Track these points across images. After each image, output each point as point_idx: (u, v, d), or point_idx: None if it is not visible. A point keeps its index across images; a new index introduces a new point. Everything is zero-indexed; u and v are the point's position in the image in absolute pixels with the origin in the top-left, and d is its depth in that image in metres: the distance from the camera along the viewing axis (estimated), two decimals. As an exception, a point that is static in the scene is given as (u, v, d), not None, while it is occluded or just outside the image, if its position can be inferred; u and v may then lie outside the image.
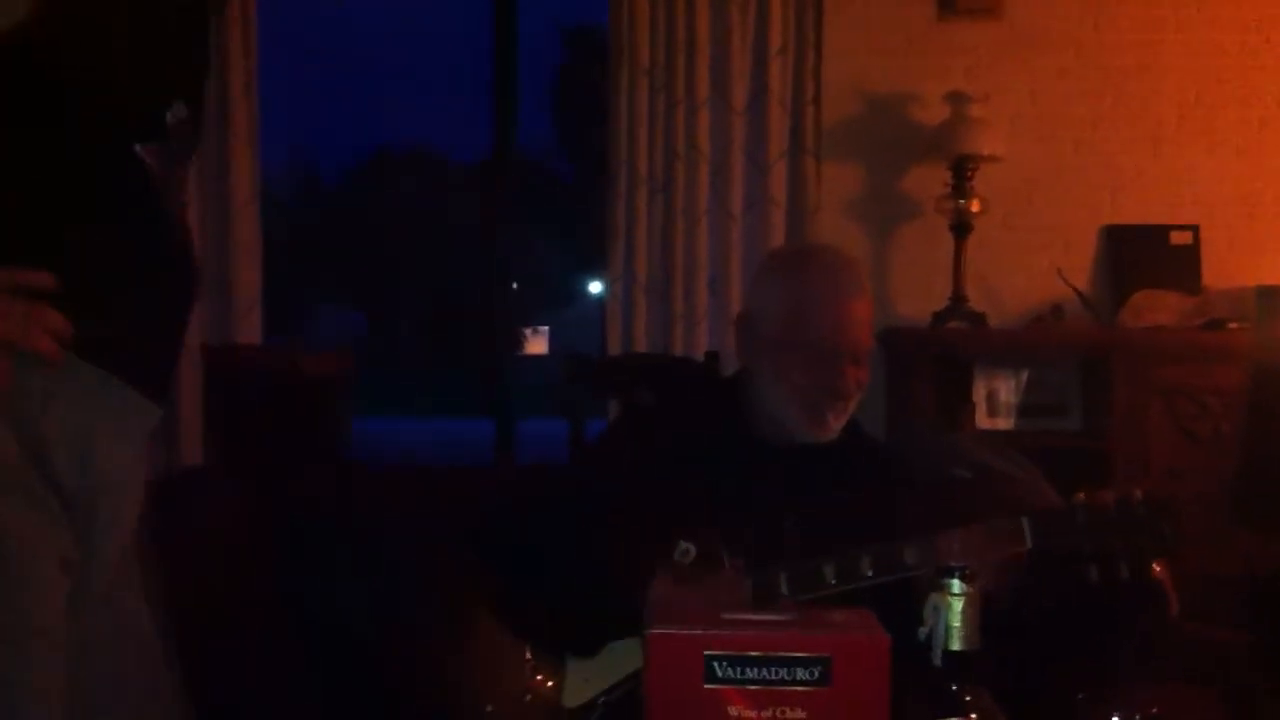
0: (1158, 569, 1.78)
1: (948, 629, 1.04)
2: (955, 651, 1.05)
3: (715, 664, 1.20)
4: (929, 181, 3.74)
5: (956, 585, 1.04)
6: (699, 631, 1.22)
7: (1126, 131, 3.84)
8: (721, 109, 3.71)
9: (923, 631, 1.06)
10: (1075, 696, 1.29)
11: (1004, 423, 3.74)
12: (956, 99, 3.65)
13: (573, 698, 1.89)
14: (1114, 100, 3.85)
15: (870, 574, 1.82)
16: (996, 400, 3.76)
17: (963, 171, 3.63)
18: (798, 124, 3.73)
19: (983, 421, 3.72)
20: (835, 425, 2.01)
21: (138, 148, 1.48)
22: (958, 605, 1.04)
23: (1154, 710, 1.31)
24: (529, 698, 1.90)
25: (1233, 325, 3.63)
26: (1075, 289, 3.75)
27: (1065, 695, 1.33)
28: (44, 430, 1.44)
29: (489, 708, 1.92)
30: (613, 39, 3.71)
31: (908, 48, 3.83)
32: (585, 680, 1.90)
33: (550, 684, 1.91)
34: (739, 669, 1.20)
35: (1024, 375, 3.75)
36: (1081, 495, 1.81)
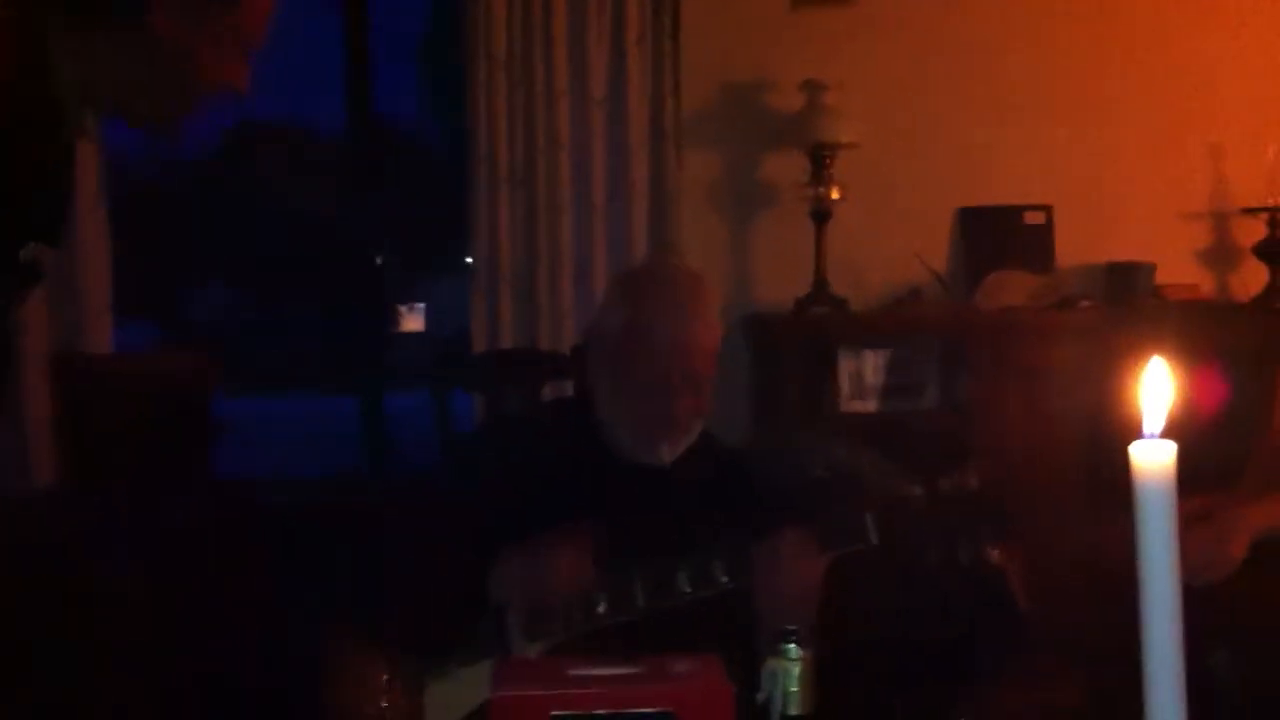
0: (996, 554, 1.83)
1: (785, 694, 1.05)
2: (793, 716, 1.06)
3: (562, 723, 1.21)
4: (789, 168, 3.76)
5: (793, 650, 1.05)
6: (544, 692, 1.21)
7: (979, 114, 3.90)
8: (581, 99, 3.68)
9: (760, 697, 1.07)
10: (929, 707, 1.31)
11: (868, 404, 3.79)
12: (812, 87, 3.67)
13: None
14: (965, 83, 3.91)
15: (725, 579, 1.85)
16: (860, 383, 3.81)
17: (820, 159, 3.65)
18: (657, 113, 3.72)
19: (848, 404, 3.77)
20: (671, 451, 2.02)
21: None
22: (794, 670, 1.05)
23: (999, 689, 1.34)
24: (388, 717, 1.89)
25: (1084, 303, 3.73)
26: (933, 271, 3.82)
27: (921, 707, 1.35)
28: None
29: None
30: (469, 32, 3.65)
31: (763, 36, 3.83)
32: (445, 704, 1.89)
33: (408, 706, 1.89)
34: (586, 727, 1.21)
35: (885, 357, 3.80)
36: (917, 487, 1.86)
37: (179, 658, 2.78)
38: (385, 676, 1.91)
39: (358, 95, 4.03)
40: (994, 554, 1.87)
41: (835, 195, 3.65)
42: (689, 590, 1.85)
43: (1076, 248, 3.88)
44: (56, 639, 2.59)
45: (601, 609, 1.88)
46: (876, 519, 1.87)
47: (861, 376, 3.81)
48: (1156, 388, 0.93)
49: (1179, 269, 3.87)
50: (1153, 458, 0.91)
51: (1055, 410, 3.61)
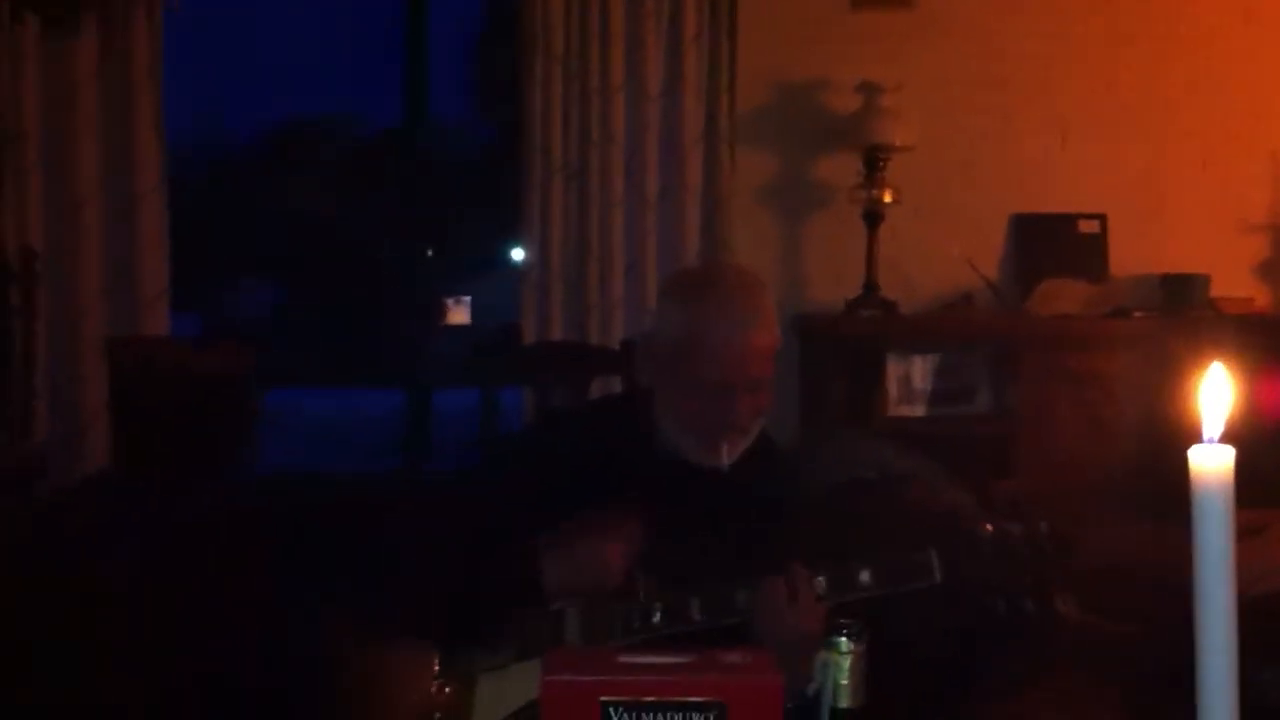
0: (1063, 605, 1.81)
1: (836, 686, 1.05)
2: (843, 709, 1.06)
3: (611, 710, 1.21)
4: (842, 170, 3.75)
5: (844, 644, 1.06)
6: (594, 678, 1.22)
7: (1035, 121, 3.89)
8: (636, 95, 3.70)
9: (811, 688, 1.07)
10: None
11: (916, 409, 3.78)
12: (868, 89, 3.66)
13: (482, 717, 1.89)
14: (1024, 89, 3.89)
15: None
16: (908, 386, 3.80)
17: (874, 161, 3.65)
18: (712, 111, 3.73)
19: (895, 408, 3.76)
20: (731, 452, 2.01)
21: None
22: (845, 663, 1.06)
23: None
24: (437, 715, 1.90)
25: (1138, 314, 3.70)
26: (984, 277, 3.80)
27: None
28: None
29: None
30: (525, 26, 3.67)
31: (821, 36, 3.83)
32: (495, 700, 1.90)
33: (459, 701, 1.91)
34: (635, 715, 1.21)
35: (935, 362, 3.79)
36: (989, 526, 1.83)
37: (215, 651, 2.81)
38: (435, 670, 1.92)
39: (414, 92, 4.07)
40: (1061, 605, 1.84)
41: (888, 198, 3.65)
42: (746, 609, 1.84)
43: (1131, 257, 3.86)
44: (81, 630, 2.62)
45: (657, 619, 1.88)
46: (942, 557, 1.85)
47: (910, 381, 3.80)
48: (1216, 392, 0.93)
49: (1235, 281, 3.84)
50: (1212, 462, 0.91)
51: (1106, 420, 3.59)
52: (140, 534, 2.72)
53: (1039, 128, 3.88)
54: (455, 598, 1.95)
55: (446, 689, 1.91)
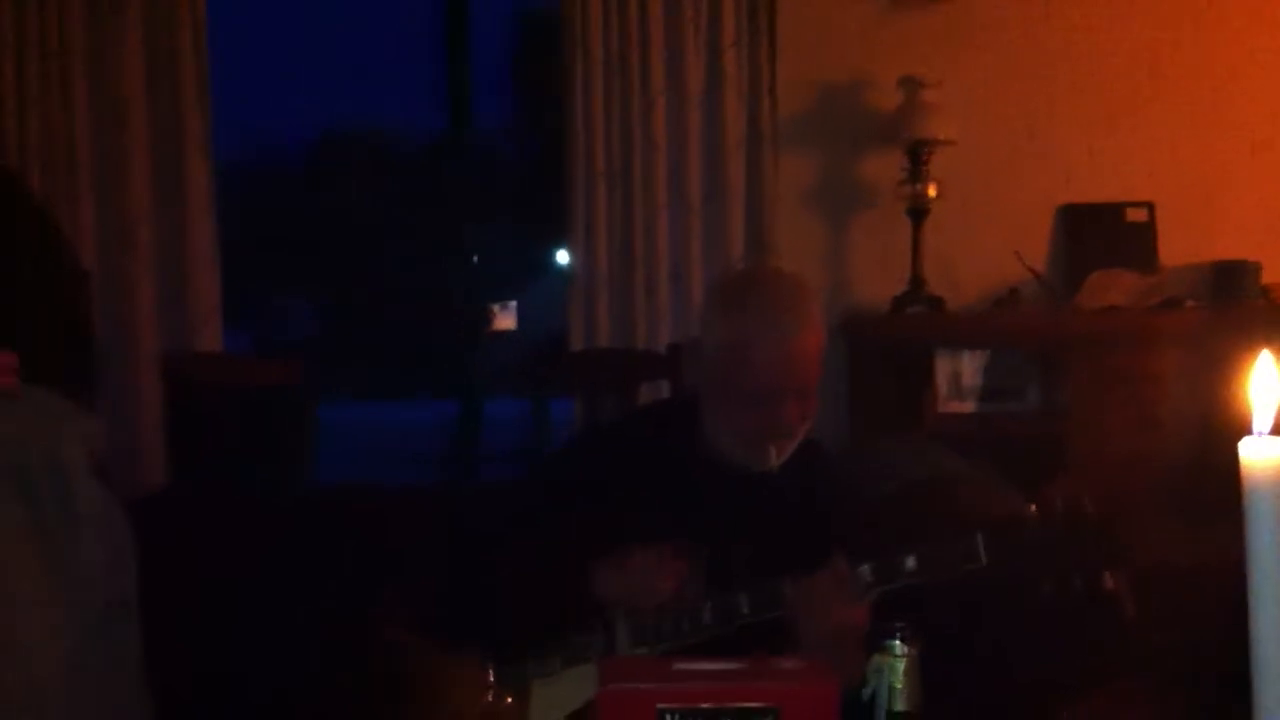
0: (1111, 580, 1.79)
1: (890, 690, 1.06)
2: (898, 712, 1.06)
3: (667, 716, 1.22)
4: (885, 167, 3.75)
5: (898, 647, 1.06)
6: (650, 686, 1.23)
7: (1080, 111, 3.86)
8: (677, 100, 3.71)
9: (866, 692, 1.08)
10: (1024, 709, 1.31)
11: (966, 406, 3.76)
12: (910, 84, 3.65)
13: None
14: (1067, 80, 3.86)
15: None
16: (958, 383, 3.78)
17: (918, 156, 3.64)
18: (754, 114, 3.73)
19: (945, 405, 3.74)
20: (780, 457, 2.01)
21: None
22: (900, 666, 1.06)
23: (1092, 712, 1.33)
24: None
25: (1189, 304, 3.66)
26: (1032, 270, 3.78)
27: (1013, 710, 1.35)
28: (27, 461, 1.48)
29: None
30: (566, 31, 3.69)
31: (861, 34, 3.82)
32: (549, 705, 1.91)
33: (513, 706, 1.92)
34: (691, 721, 1.22)
35: (984, 358, 3.77)
36: (1034, 507, 1.81)
37: (268, 657, 2.84)
38: (489, 675, 1.94)
39: (457, 101, 4.10)
40: (1109, 582, 1.81)
41: (932, 193, 3.64)
42: (794, 601, 1.84)
43: (1181, 246, 3.82)
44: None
45: (707, 619, 1.88)
46: (988, 539, 1.83)
47: (959, 377, 3.78)
48: (1266, 384, 0.92)
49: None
50: (1262, 454, 0.90)
51: (1159, 414, 3.56)
52: (202, 547, 2.75)
53: (1083, 117, 3.85)
54: (509, 608, 1.97)
55: (502, 697, 1.92)
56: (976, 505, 2.55)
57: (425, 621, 2.07)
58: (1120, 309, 3.64)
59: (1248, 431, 0.91)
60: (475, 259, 4.33)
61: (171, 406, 3.39)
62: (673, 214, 3.71)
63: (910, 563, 1.82)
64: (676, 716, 1.22)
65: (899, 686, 1.05)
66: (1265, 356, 0.94)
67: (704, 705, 1.21)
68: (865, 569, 1.82)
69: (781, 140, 3.75)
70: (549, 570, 1.95)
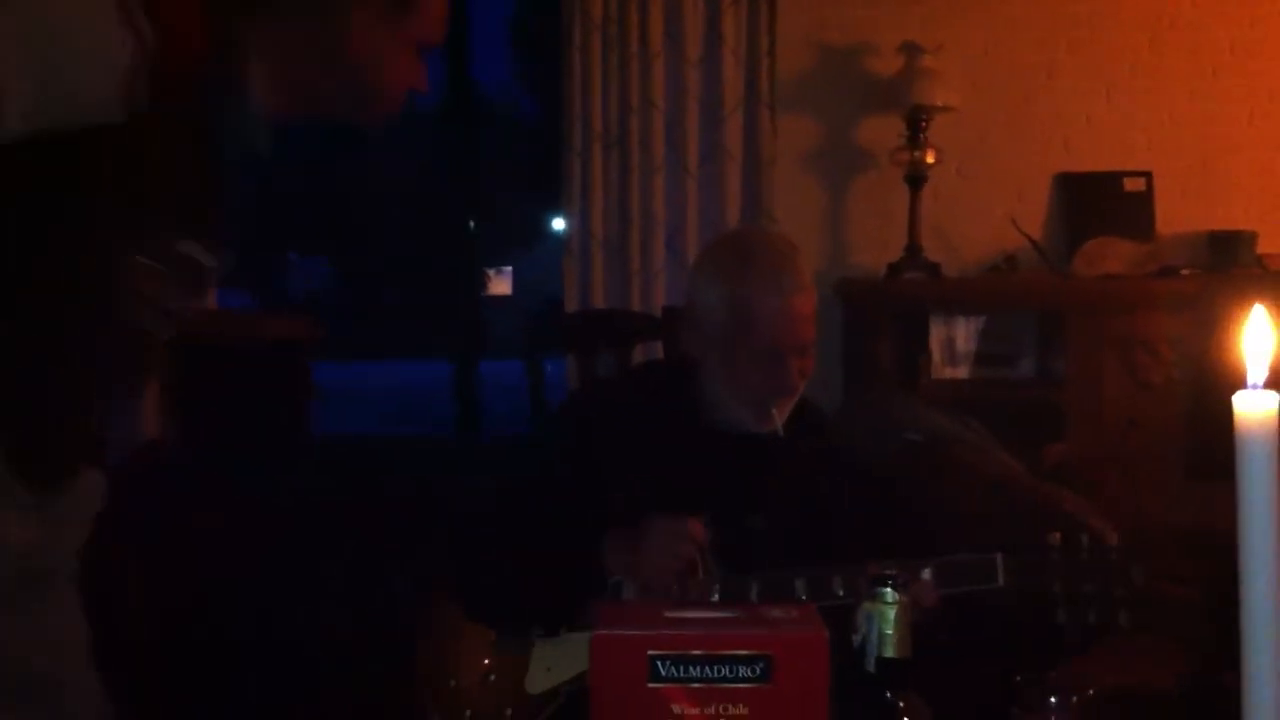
0: (1126, 620, 1.80)
1: (881, 637, 1.06)
2: (888, 659, 1.07)
3: (659, 663, 1.23)
4: (884, 133, 3.74)
5: (889, 594, 1.07)
6: (643, 632, 1.24)
7: (1079, 79, 3.85)
8: (676, 60, 3.69)
9: (856, 639, 1.09)
10: (1013, 678, 1.32)
11: (961, 371, 3.77)
12: (910, 50, 3.64)
13: (536, 685, 1.92)
14: (1066, 48, 3.85)
15: (841, 594, 1.84)
16: (953, 349, 3.78)
17: (917, 122, 3.63)
18: (753, 76, 3.71)
19: (940, 370, 3.75)
20: (781, 417, 2.03)
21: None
22: (890, 614, 1.07)
23: (1090, 691, 1.34)
24: (492, 677, 1.93)
25: (1185, 272, 3.66)
26: (1029, 237, 3.77)
27: (1003, 677, 1.36)
28: None
29: (453, 683, 1.95)
30: (564, -7, 3.67)
31: (862, -2, 3.81)
32: (548, 669, 1.92)
33: (514, 667, 1.93)
34: (682, 668, 1.23)
35: (979, 324, 3.77)
36: (1058, 535, 1.82)
37: (268, 619, 2.85)
38: (491, 640, 1.95)
39: (455, 64, 4.08)
40: (1124, 620, 1.83)
41: (931, 159, 3.63)
42: (804, 598, 1.85)
43: (1178, 215, 3.81)
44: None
45: (715, 599, 1.89)
46: (1006, 561, 1.85)
47: (954, 343, 3.79)
48: (1260, 338, 0.93)
49: (1283, 238, 3.79)
50: (1255, 408, 0.91)
51: (1154, 385, 3.57)
52: (203, 502, 2.76)
53: (1082, 85, 3.84)
54: (513, 573, 1.97)
55: (502, 654, 1.93)
56: (976, 467, 2.56)
57: (430, 585, 2.08)
58: (1117, 276, 3.64)
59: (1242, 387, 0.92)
60: (472, 224, 4.31)
61: (174, 364, 3.37)
62: (669, 176, 3.70)
63: (926, 574, 1.83)
64: (668, 663, 1.22)
65: (889, 633, 1.06)
66: (1259, 310, 0.95)
67: (696, 652, 1.22)
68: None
69: (780, 104, 3.74)
70: (554, 537, 1.95)
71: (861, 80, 3.82)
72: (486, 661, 1.93)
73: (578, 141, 3.68)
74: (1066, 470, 2.91)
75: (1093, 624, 1.76)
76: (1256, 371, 0.92)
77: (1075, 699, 1.34)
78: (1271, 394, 0.91)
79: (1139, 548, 1.86)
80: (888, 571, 1.07)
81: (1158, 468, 3.41)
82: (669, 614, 1.29)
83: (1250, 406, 0.91)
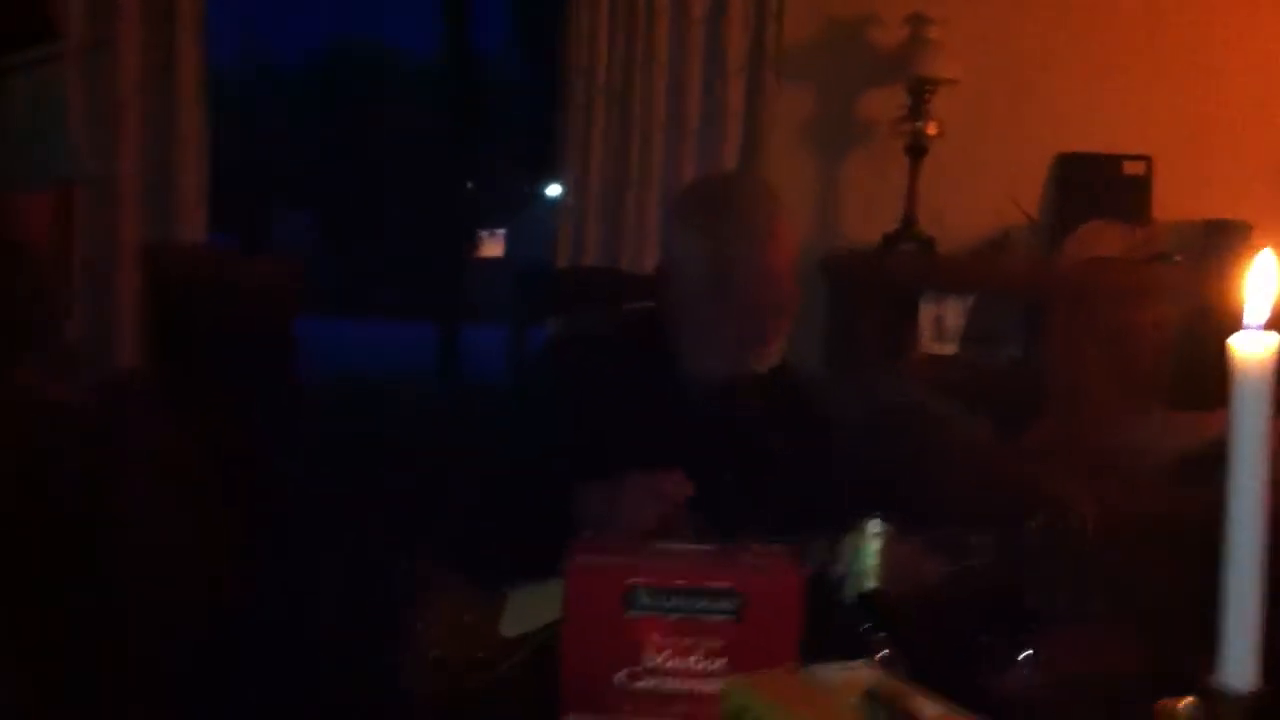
0: (1099, 606, 1.79)
1: (861, 569, 1.05)
2: (868, 591, 1.06)
3: (637, 594, 1.22)
4: (886, 105, 3.71)
5: (874, 526, 1.05)
6: (620, 561, 1.23)
7: (1085, 59, 3.83)
8: (681, 18, 3.66)
9: (837, 569, 1.08)
10: (981, 637, 1.32)
11: (948, 348, 3.76)
12: (916, 20, 3.62)
13: (510, 628, 1.90)
14: (1074, 27, 3.83)
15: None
16: (942, 325, 3.78)
17: (920, 93, 3.61)
18: (758, 39, 3.68)
19: (928, 346, 3.75)
20: (760, 366, 2.02)
21: None
22: (872, 546, 1.05)
23: (1059, 649, 1.34)
24: (466, 618, 1.92)
25: (1178, 259, 3.66)
26: (1027, 214, 3.76)
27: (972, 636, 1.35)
28: None
29: (423, 624, 1.93)
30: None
31: (871, -33, 3.78)
32: (523, 613, 1.91)
33: (488, 610, 1.92)
34: (660, 599, 1.22)
35: (970, 302, 3.76)
36: (1039, 519, 1.82)
37: (242, 566, 2.83)
38: (465, 589, 1.93)
39: (453, 20, 4.04)
40: (1095, 605, 1.82)
41: (932, 131, 3.61)
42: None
43: (1175, 202, 3.81)
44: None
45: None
46: (977, 541, 1.84)
47: (943, 319, 3.78)
48: (1262, 279, 0.92)
49: (1277, 231, 3.78)
50: (1253, 348, 0.90)
51: (1140, 367, 3.56)
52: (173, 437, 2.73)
53: (1087, 66, 3.82)
54: (489, 525, 1.95)
55: (477, 598, 1.92)
56: (957, 442, 2.56)
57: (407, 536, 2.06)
58: (1108, 260, 3.63)
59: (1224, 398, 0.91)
60: (469, 185, 4.28)
61: (155, 297, 3.35)
62: (669, 135, 3.67)
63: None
64: (646, 593, 1.22)
65: (872, 564, 1.05)
66: (1266, 253, 0.94)
67: (675, 583, 1.21)
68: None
69: (784, 69, 3.71)
70: (531, 488, 1.94)
71: (866, 49, 3.79)
72: (461, 604, 1.92)
73: (578, 95, 3.65)
74: (1047, 451, 2.91)
75: (1063, 608, 1.75)
76: (1256, 313, 0.91)
77: (1042, 659, 1.34)
78: (1271, 335, 0.90)
79: (1115, 533, 1.85)
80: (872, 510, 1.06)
81: (1137, 451, 3.41)
82: (649, 547, 1.29)
83: (1248, 347, 0.90)
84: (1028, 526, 1.81)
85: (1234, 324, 0.93)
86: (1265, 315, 0.90)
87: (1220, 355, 0.92)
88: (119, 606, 2.09)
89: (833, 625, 1.09)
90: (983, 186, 3.81)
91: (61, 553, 1.94)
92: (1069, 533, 1.80)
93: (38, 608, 2.10)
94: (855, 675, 0.93)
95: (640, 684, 1.22)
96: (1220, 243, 3.69)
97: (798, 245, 2.04)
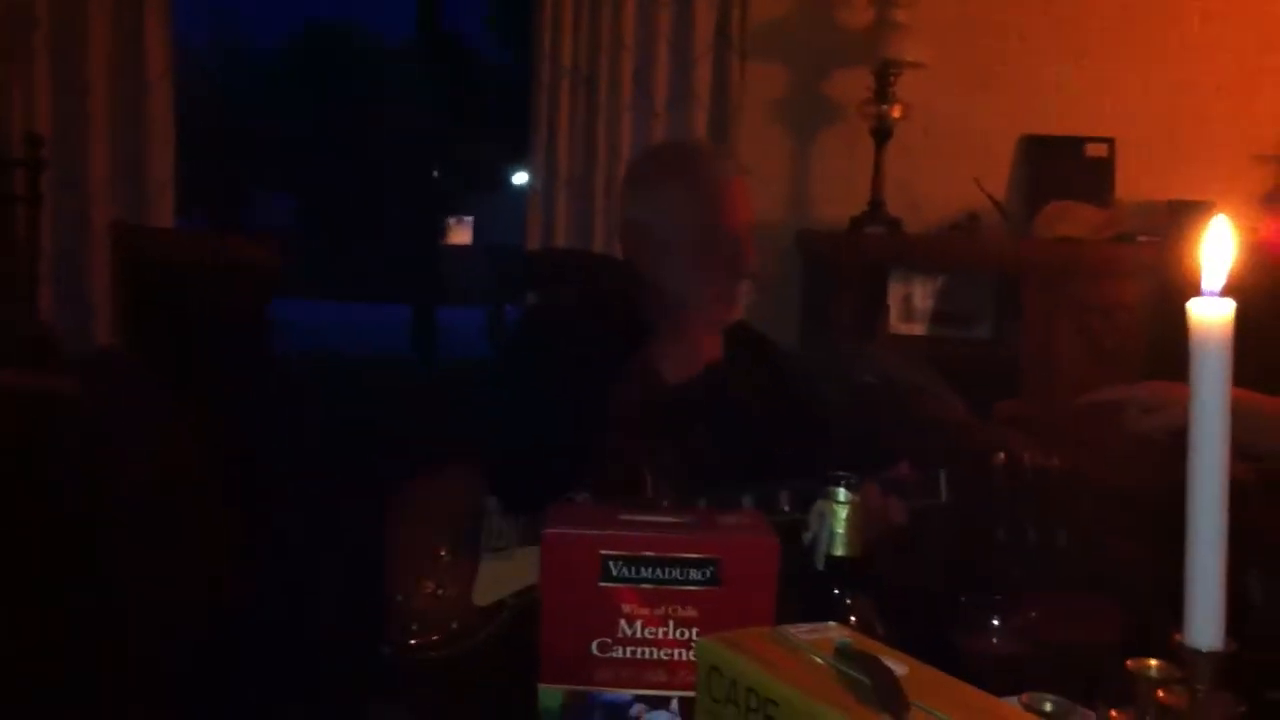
0: (1064, 540, 1.82)
1: (831, 535, 1.07)
2: (838, 557, 1.08)
3: (611, 564, 1.23)
4: (852, 86, 3.73)
5: (842, 493, 1.07)
6: (595, 532, 1.24)
7: (1050, 42, 3.86)
8: (648, 1, 3.67)
9: (807, 536, 1.09)
10: (958, 600, 1.34)
11: (917, 328, 3.79)
12: (882, 3, 3.63)
13: (483, 597, 1.92)
14: (1039, 11, 3.87)
15: (787, 509, 1.86)
16: (911, 305, 3.81)
17: (886, 76, 3.63)
18: (724, 20, 3.69)
19: (897, 326, 3.77)
20: (743, 303, 2.09)
21: None
22: (842, 512, 1.07)
23: (1032, 614, 1.36)
24: (440, 590, 1.93)
25: (1142, 239, 3.70)
26: (991, 197, 3.79)
27: (948, 599, 1.38)
28: None
29: (399, 596, 1.95)
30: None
31: (837, -52, 3.80)
32: (496, 581, 1.93)
33: (461, 580, 1.94)
34: (634, 569, 1.23)
35: (939, 282, 3.79)
36: (1002, 455, 1.85)
37: (222, 532, 2.83)
38: (442, 553, 1.95)
39: (426, 8, 4.04)
40: (1062, 540, 1.85)
41: (897, 114, 3.63)
42: (788, 510, 1.86)
43: (1139, 183, 3.85)
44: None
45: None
46: (950, 476, 1.87)
47: (911, 299, 3.81)
48: (1218, 245, 0.94)
49: (1240, 211, 3.82)
50: (1211, 314, 0.92)
51: (1110, 350, 3.60)
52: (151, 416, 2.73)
53: (1052, 50, 3.86)
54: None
55: (450, 568, 1.94)
56: (936, 412, 2.59)
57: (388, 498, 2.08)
58: (1076, 240, 3.67)
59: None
60: (435, 173, 4.28)
61: (125, 279, 3.35)
62: (636, 117, 3.68)
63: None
64: (620, 563, 1.23)
65: (840, 531, 1.07)
66: (1220, 219, 0.96)
67: (647, 553, 1.23)
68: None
69: (750, 50, 3.73)
70: (506, 448, 1.96)
71: (832, 32, 3.81)
72: (434, 575, 1.94)
73: (546, 77, 3.65)
74: (1018, 424, 2.94)
75: (1033, 543, 1.78)
76: (1212, 279, 0.93)
77: (1017, 619, 1.37)
78: (1227, 301, 0.92)
79: (1080, 473, 1.88)
80: (842, 474, 1.08)
81: (1109, 430, 3.44)
82: (623, 516, 1.30)
83: (1205, 313, 0.92)
84: (994, 462, 1.84)
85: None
86: (1222, 281, 0.92)
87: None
88: (119, 606, 2.10)
89: (806, 590, 1.10)
90: (950, 168, 3.84)
91: (61, 553, 1.94)
92: (1035, 469, 1.83)
93: (37, 608, 2.10)
94: (826, 635, 0.95)
95: (616, 653, 1.24)
96: (1184, 222, 3.73)
97: (753, 210, 2.10)
